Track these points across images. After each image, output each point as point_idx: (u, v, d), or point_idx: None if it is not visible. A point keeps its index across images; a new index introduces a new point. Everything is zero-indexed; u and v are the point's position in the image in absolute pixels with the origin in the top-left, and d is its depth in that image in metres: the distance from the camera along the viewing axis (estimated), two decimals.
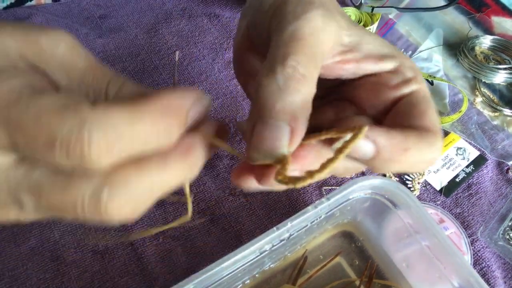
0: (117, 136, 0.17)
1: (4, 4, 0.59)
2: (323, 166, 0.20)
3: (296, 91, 0.21)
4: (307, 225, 0.40)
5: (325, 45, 0.23)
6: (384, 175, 0.52)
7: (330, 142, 0.21)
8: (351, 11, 0.63)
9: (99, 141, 0.16)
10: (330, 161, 0.20)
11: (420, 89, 0.25)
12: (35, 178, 0.17)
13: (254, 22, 0.27)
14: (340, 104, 0.27)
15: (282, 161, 0.20)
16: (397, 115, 0.25)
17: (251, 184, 0.23)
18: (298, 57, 0.21)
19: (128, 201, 0.18)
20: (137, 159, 0.18)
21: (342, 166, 0.24)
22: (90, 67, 0.20)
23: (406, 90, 0.25)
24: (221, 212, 0.47)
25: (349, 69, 0.25)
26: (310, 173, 0.20)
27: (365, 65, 0.25)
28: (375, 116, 0.26)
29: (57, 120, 0.16)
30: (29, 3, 0.61)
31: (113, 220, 0.18)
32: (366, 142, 0.21)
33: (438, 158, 0.23)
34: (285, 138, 0.20)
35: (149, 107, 0.18)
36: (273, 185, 0.22)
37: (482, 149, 0.56)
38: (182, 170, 0.19)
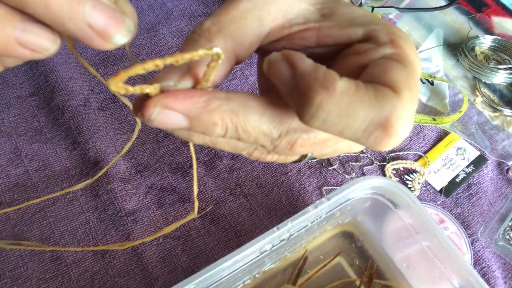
0: None
1: None
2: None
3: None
4: (307, 225, 0.40)
5: (258, 22, 0.22)
6: (384, 175, 0.52)
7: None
8: None
9: None
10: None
11: (397, 53, 0.20)
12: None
13: None
14: None
15: None
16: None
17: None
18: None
19: None
20: None
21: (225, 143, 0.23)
22: None
23: (375, 55, 0.21)
24: (221, 212, 0.47)
25: (309, 38, 0.23)
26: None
27: (328, 31, 0.23)
28: None
29: None
30: None
31: None
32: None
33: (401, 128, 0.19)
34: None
35: None
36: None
37: (482, 149, 0.56)
38: None
